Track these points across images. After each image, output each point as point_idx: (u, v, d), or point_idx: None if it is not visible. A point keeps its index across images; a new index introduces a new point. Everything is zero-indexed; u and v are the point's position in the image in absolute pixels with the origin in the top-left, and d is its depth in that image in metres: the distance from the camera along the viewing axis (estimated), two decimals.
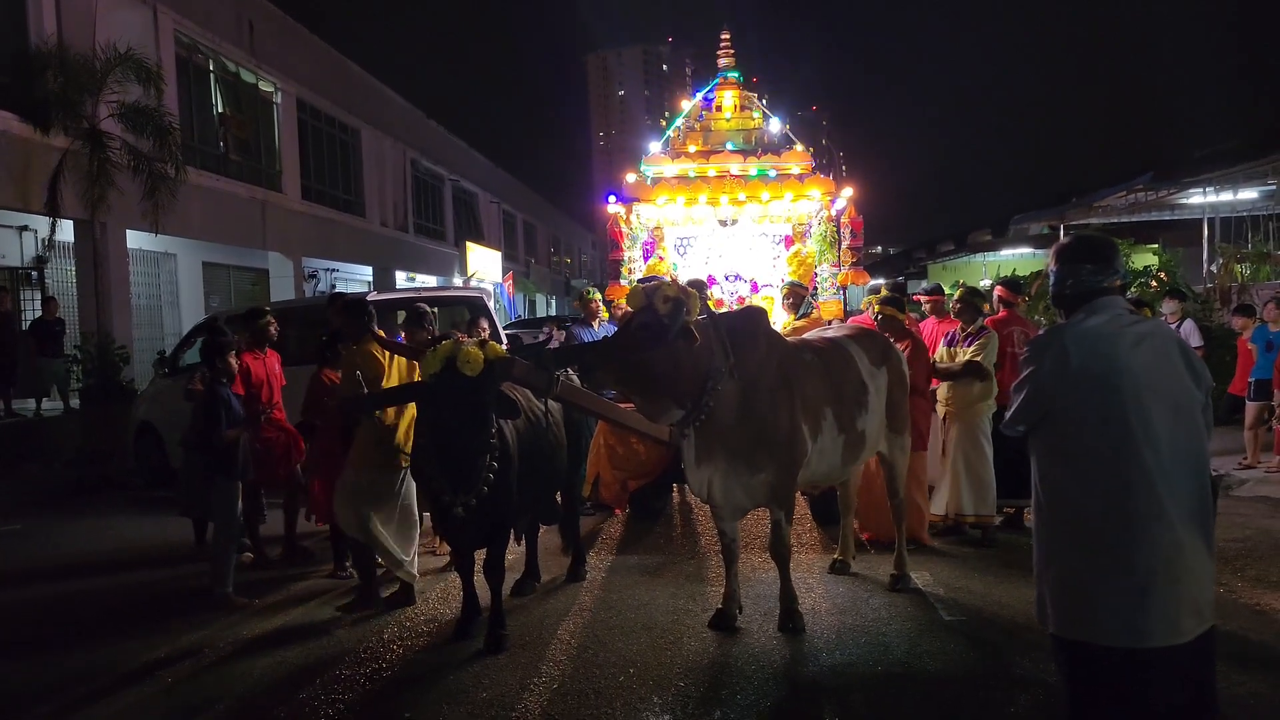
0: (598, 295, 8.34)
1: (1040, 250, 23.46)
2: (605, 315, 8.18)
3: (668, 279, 7.06)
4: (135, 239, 15.40)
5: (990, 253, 27.92)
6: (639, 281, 8.10)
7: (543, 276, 46.24)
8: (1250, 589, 5.65)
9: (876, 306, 6.94)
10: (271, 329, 7.17)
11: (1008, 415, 2.67)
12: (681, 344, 4.64)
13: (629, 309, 4.79)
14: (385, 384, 5.65)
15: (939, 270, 31.22)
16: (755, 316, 5.29)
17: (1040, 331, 2.53)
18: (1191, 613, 2.27)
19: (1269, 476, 9.00)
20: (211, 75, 18.58)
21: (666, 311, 4.60)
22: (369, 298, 9.22)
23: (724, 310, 5.47)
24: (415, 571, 5.89)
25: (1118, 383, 2.32)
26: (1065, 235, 19.85)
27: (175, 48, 16.73)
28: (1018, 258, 25.67)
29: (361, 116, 25.15)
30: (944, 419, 7.21)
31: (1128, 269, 15.00)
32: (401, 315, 10.10)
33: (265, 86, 20.40)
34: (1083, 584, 2.32)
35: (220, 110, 18.82)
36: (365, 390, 5.48)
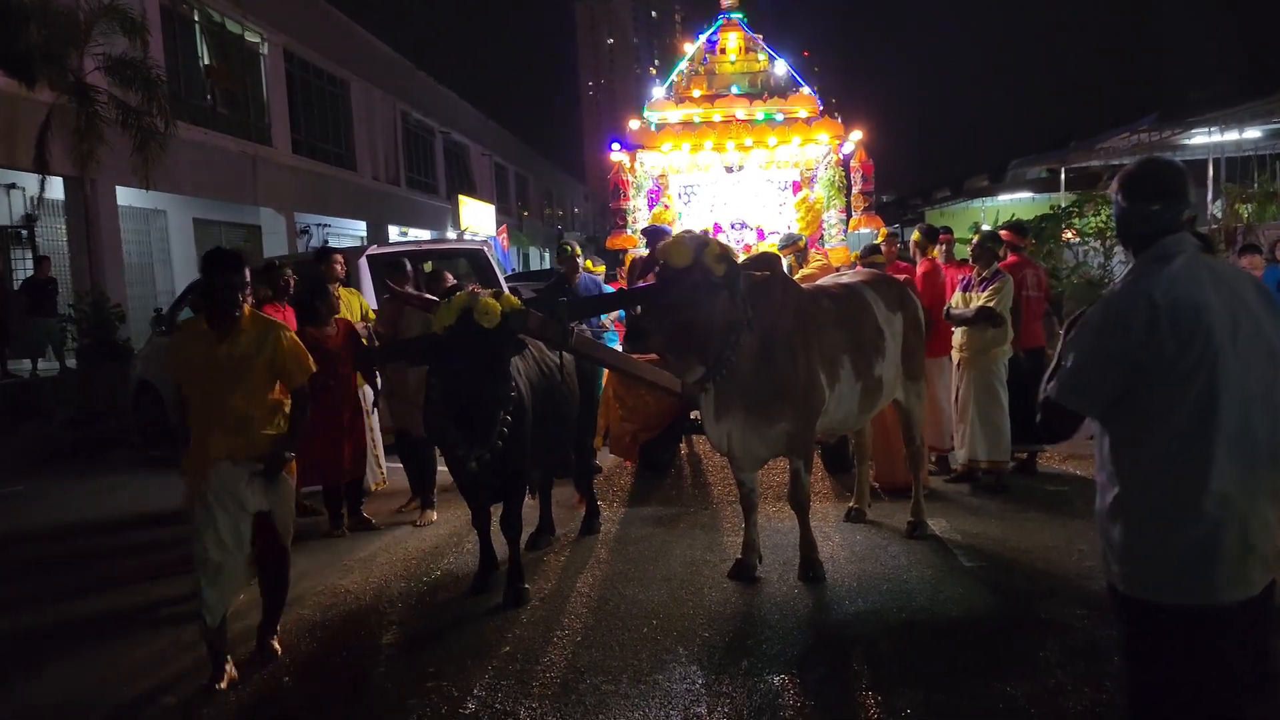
0: (579, 250, 7.97)
1: (1041, 195, 23.24)
2: (590, 266, 8.00)
3: (692, 231, 6.99)
4: (125, 196, 15.16)
5: (988, 198, 27.70)
6: (643, 232, 7.98)
7: (536, 229, 45.88)
8: None
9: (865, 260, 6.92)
10: (291, 282, 6.97)
11: (1073, 390, 2.29)
12: (722, 303, 4.53)
13: (674, 264, 4.48)
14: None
15: (937, 216, 30.92)
16: (771, 263, 5.17)
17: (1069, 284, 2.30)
18: (1260, 564, 2.19)
19: None
20: (197, 26, 18.18)
21: (720, 273, 4.47)
22: (369, 252, 9.08)
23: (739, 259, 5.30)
24: None
25: (1210, 326, 2.17)
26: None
27: None
28: (1016, 202, 25.44)
29: (350, 68, 24.70)
30: (958, 365, 7.14)
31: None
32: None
33: (251, 37, 19.98)
34: (1157, 540, 2.22)
35: (206, 62, 18.44)
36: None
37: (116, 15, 12.71)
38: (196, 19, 18.09)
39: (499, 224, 32.72)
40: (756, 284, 4.86)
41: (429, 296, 5.76)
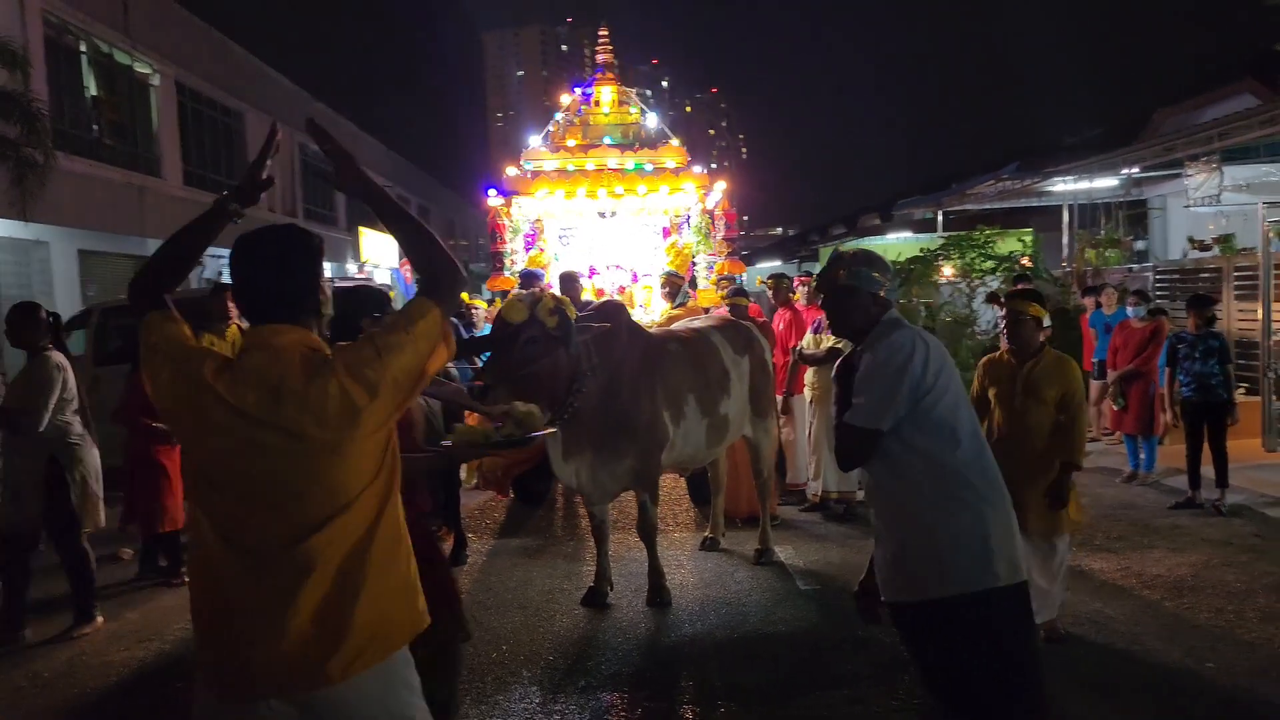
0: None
1: (922, 235, 24.39)
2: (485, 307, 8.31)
3: (545, 283, 7.35)
4: (4, 227, 14.81)
5: (877, 236, 28.87)
6: (519, 274, 8.35)
7: None
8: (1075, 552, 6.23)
9: (729, 300, 7.43)
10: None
11: (870, 410, 2.71)
12: (561, 353, 4.88)
13: (510, 320, 4.80)
14: None
15: (829, 252, 32.12)
16: (615, 312, 5.57)
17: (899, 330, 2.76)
18: (1022, 555, 2.76)
19: (1109, 448, 9.77)
20: (83, 57, 17.88)
21: (553, 325, 4.81)
22: None
23: (586, 309, 5.69)
24: None
25: (947, 359, 2.77)
26: (942, 219, 20.79)
27: (44, 28, 16.05)
28: (901, 241, 26.63)
29: (246, 99, 24.49)
30: (810, 402, 7.67)
31: (994, 253, 15.84)
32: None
33: (141, 68, 19.71)
34: (984, 536, 2.65)
35: (94, 94, 18.15)
36: None
37: None
38: (83, 49, 17.82)
39: (401, 256, 32.65)
40: (602, 331, 5.24)
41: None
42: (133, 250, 19.95)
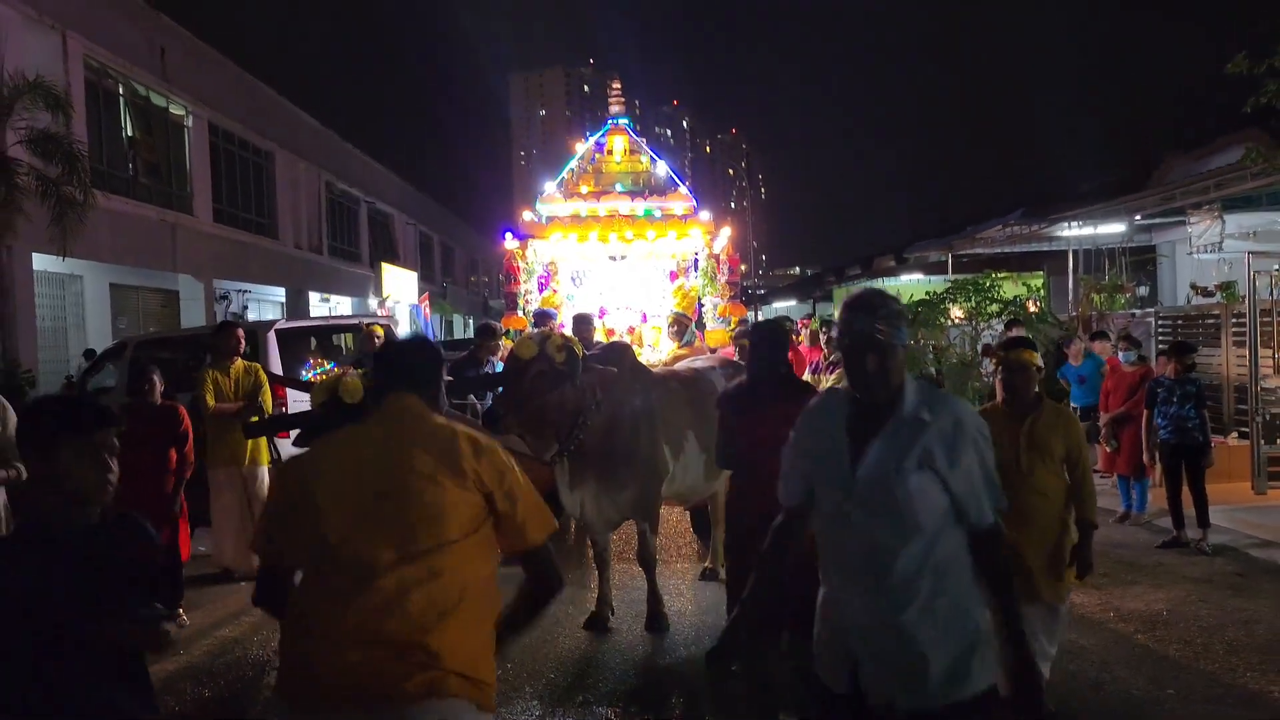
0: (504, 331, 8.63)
1: (935, 276, 24.73)
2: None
3: (557, 322, 7.74)
4: (40, 261, 15.42)
5: (891, 278, 29.23)
6: (533, 314, 8.77)
7: (460, 297, 46.47)
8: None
9: (738, 341, 7.77)
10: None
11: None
12: (569, 388, 5.26)
13: (521, 356, 5.18)
14: None
15: (843, 294, 32.36)
16: (620, 352, 5.96)
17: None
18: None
19: (1101, 487, 9.99)
20: (121, 99, 18.66)
21: (561, 361, 5.20)
22: (276, 326, 9.65)
23: (594, 349, 6.08)
24: None
25: None
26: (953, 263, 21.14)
27: (85, 72, 16.82)
28: (913, 283, 26.97)
29: (275, 139, 25.29)
30: None
31: (999, 295, 16.13)
32: (313, 342, 10.55)
33: (176, 110, 20.50)
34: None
35: (130, 134, 18.89)
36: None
37: (40, 91, 13.17)
38: (122, 92, 18.58)
39: (421, 291, 33.30)
40: (607, 370, 5.62)
41: (305, 380, 6.42)
42: (162, 284, 20.63)
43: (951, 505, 2.42)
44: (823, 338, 8.03)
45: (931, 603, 2.37)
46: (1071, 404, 9.80)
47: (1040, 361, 4.44)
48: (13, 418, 4.99)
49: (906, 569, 2.37)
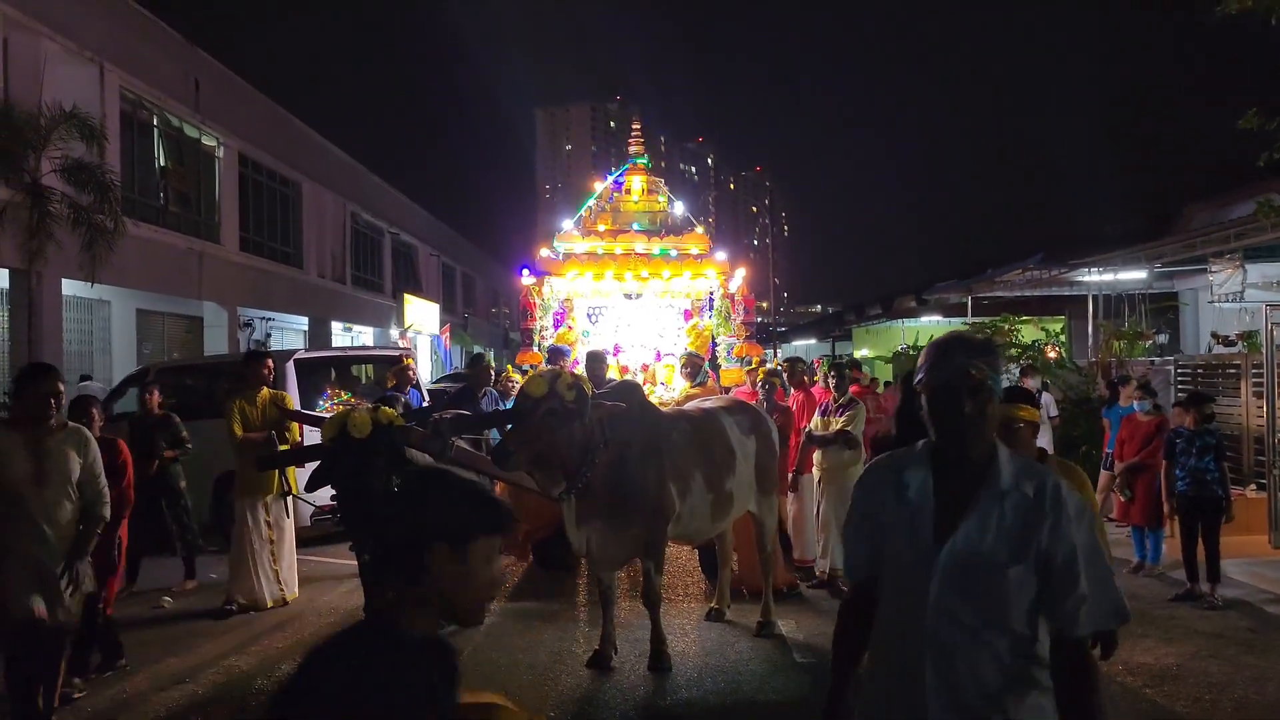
0: (492, 361, 8.80)
1: (954, 318, 24.69)
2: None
3: (571, 359, 7.81)
4: (69, 286, 15.70)
5: (911, 319, 29.19)
6: (547, 350, 8.85)
7: (481, 329, 46.77)
8: None
9: (761, 373, 7.82)
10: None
11: (853, 564, 2.35)
12: (577, 426, 5.32)
13: (531, 394, 5.25)
14: None
15: (862, 334, 32.45)
16: (629, 390, 6.01)
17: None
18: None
19: (1115, 537, 9.90)
20: (155, 130, 19.05)
21: (570, 399, 5.26)
22: (296, 355, 9.77)
23: (604, 387, 6.14)
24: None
25: None
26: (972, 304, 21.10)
27: (120, 103, 17.21)
28: (933, 324, 26.93)
29: (303, 170, 25.71)
30: (818, 481, 7.99)
31: (1018, 339, 16.11)
32: (332, 373, 10.67)
33: (208, 141, 20.90)
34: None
35: (162, 164, 19.27)
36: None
37: (76, 122, 13.49)
38: (155, 124, 18.99)
39: (443, 323, 33.57)
40: (615, 406, 5.67)
41: (318, 414, 6.53)
42: (187, 311, 20.93)
43: (1039, 601, 2.02)
44: (832, 380, 8.03)
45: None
46: (1108, 449, 9.71)
47: (1036, 416, 4.18)
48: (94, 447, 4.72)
49: (983, 676, 2.00)
